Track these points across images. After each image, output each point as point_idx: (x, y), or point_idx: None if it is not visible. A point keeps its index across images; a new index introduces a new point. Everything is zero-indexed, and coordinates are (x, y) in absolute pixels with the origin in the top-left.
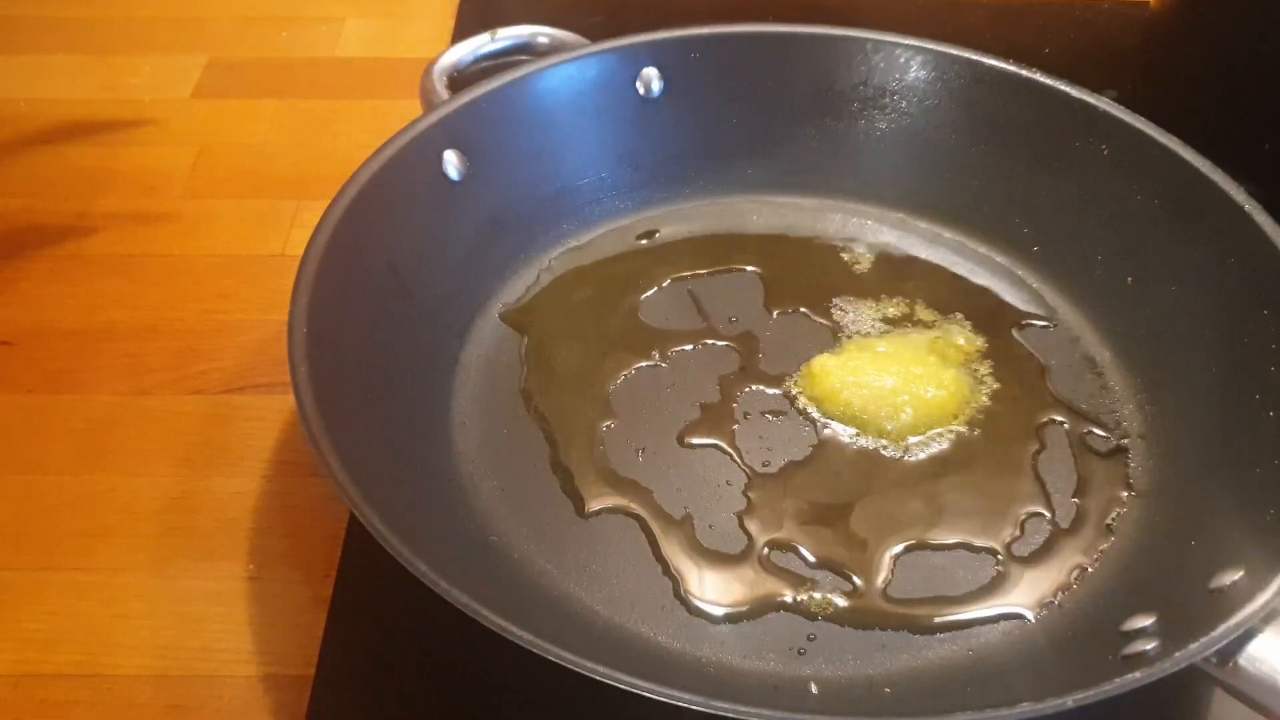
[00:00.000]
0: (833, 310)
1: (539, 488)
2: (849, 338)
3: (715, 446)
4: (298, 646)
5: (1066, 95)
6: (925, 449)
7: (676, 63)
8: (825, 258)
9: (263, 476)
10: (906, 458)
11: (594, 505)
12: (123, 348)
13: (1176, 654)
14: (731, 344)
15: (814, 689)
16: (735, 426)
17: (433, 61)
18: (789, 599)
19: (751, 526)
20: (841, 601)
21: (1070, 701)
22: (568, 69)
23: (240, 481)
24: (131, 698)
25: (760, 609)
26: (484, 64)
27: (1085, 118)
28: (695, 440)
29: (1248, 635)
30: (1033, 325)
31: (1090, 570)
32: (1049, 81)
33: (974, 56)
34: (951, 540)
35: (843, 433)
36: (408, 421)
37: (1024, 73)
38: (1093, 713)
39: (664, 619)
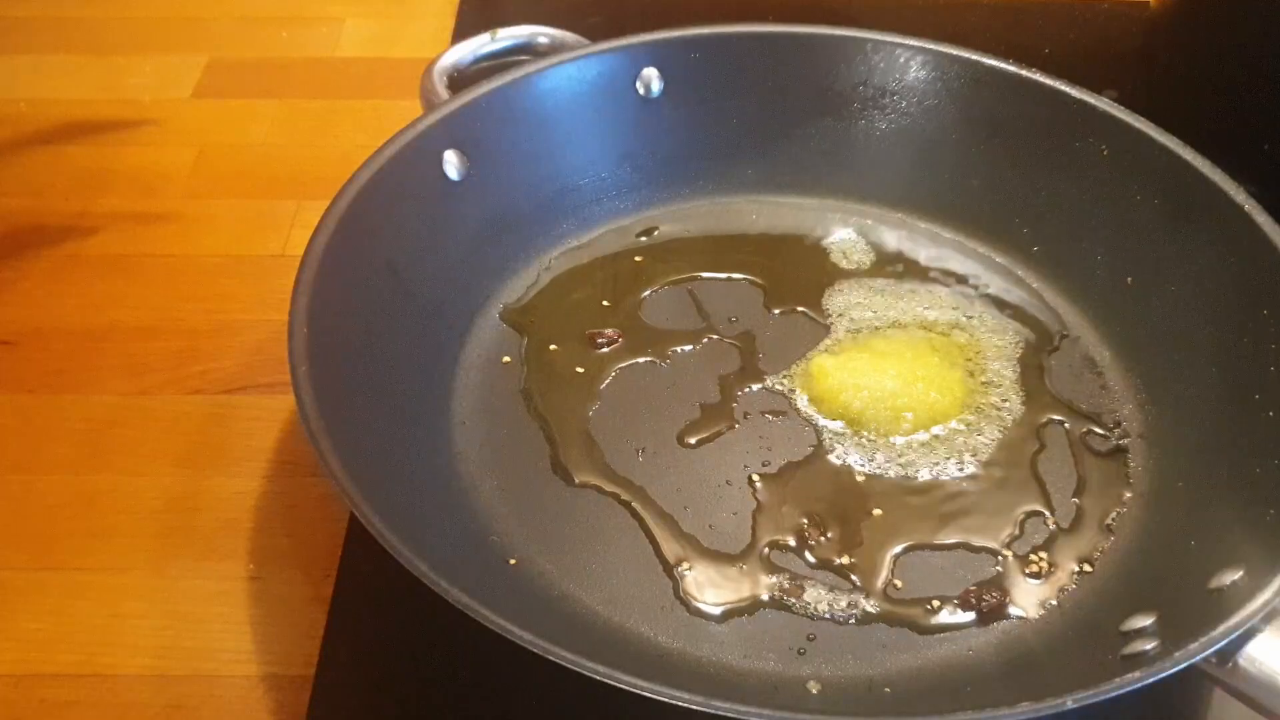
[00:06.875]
0: (832, 310)
1: (539, 488)
2: (848, 337)
3: (715, 447)
4: (298, 646)
5: (1066, 95)
6: (924, 449)
7: (676, 63)
8: (824, 257)
9: (263, 476)
10: (906, 458)
11: (593, 505)
12: (123, 348)
13: (1176, 654)
14: (731, 343)
15: (814, 689)
16: (735, 426)
17: (433, 61)
18: (789, 599)
19: (751, 526)
20: (841, 601)
21: (1070, 701)
22: (568, 69)
23: (240, 481)
24: (131, 698)
25: (760, 609)
26: (484, 64)
27: (1085, 118)
28: (695, 440)
29: (1248, 635)
30: (1033, 326)
31: (1090, 570)
32: (1049, 81)
33: (974, 56)
34: (951, 540)
35: (842, 433)
36: (408, 421)
37: (1024, 73)
38: (1093, 713)
39: (664, 619)
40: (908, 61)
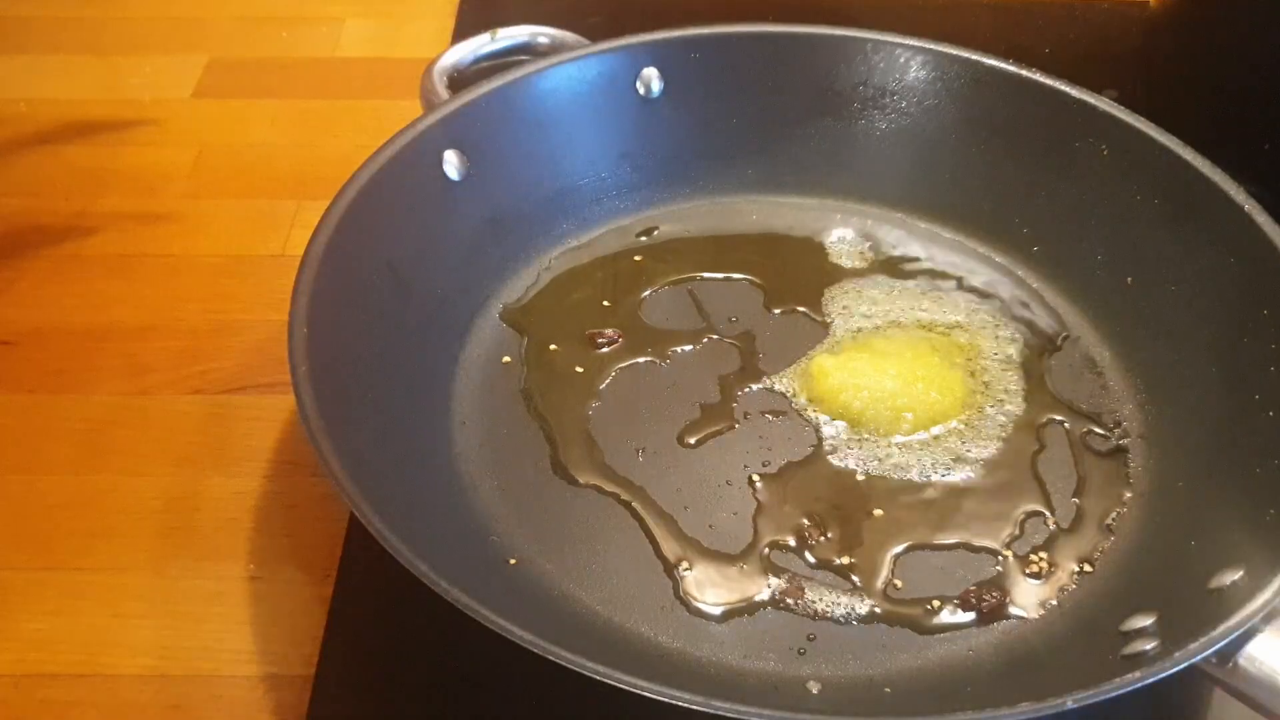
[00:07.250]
0: (832, 310)
1: (539, 488)
2: (848, 337)
3: (715, 446)
4: (298, 646)
5: (1066, 95)
6: (924, 449)
7: (676, 63)
8: (824, 257)
9: (263, 476)
10: (906, 458)
11: (593, 505)
12: (123, 348)
13: (1176, 654)
14: (731, 343)
15: (814, 689)
16: (735, 426)
17: (433, 61)
18: (789, 599)
19: (751, 526)
20: (841, 601)
21: (1070, 701)
22: (568, 69)
23: (240, 481)
24: (131, 698)
25: (760, 609)
26: (484, 64)
27: (1085, 118)
28: (695, 440)
29: (1248, 635)
30: (1033, 326)
31: (1090, 570)
32: (1049, 81)
33: (974, 56)
34: (951, 540)
35: (842, 432)
36: (408, 421)
37: (1024, 73)
38: (1093, 713)
39: (664, 619)
40: (908, 61)
